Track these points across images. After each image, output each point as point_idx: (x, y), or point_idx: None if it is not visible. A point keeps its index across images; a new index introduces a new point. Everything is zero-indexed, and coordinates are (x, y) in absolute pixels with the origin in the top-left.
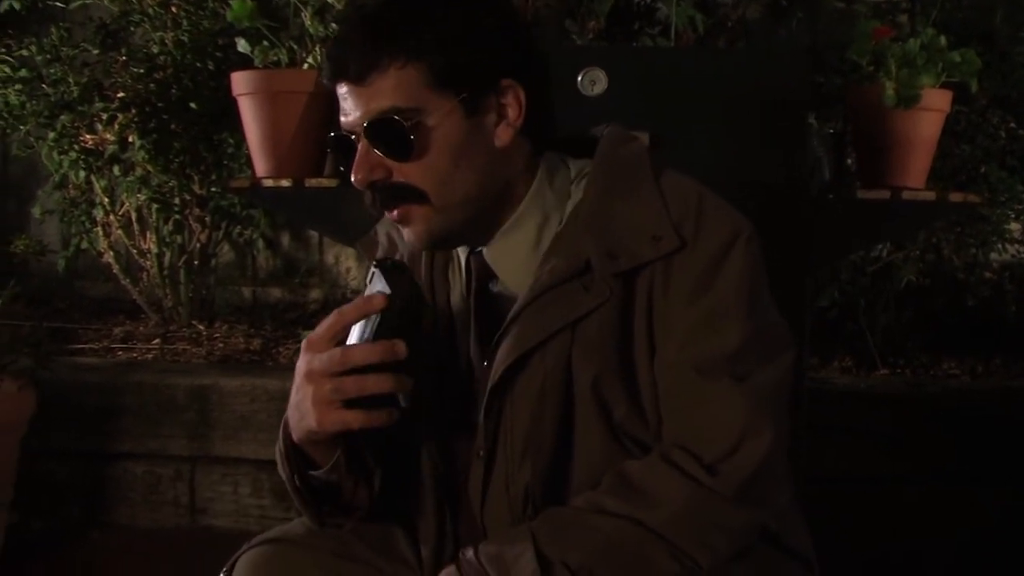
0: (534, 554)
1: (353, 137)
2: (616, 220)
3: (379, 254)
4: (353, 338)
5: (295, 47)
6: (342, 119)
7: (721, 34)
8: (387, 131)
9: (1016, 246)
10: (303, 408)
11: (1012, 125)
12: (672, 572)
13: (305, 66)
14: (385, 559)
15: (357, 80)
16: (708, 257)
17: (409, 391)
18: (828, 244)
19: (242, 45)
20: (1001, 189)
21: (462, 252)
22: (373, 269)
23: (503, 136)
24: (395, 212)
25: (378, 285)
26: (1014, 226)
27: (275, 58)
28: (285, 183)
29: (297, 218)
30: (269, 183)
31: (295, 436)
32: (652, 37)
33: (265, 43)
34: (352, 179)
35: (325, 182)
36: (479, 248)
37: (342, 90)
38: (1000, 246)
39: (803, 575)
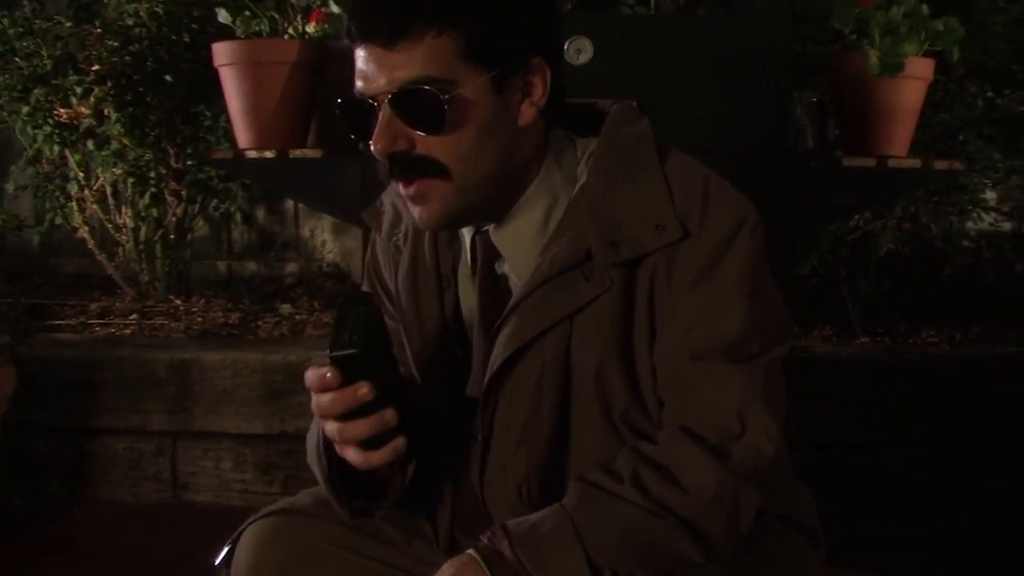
0: (585, 560)
1: (374, 103)
2: (619, 207)
3: (384, 225)
4: None
5: (276, 16)
6: (361, 83)
7: (701, 2)
8: (418, 101)
9: (993, 215)
10: None
11: (989, 94)
12: (702, 558)
13: (287, 36)
14: (401, 531)
15: (386, 45)
16: (712, 246)
17: (397, 421)
18: (813, 212)
19: (223, 15)
20: (978, 158)
21: (467, 231)
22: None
23: (526, 115)
24: (412, 188)
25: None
26: (990, 194)
27: (257, 28)
28: (269, 154)
29: (281, 189)
30: (253, 154)
31: None
32: (631, 7)
33: (247, 13)
34: (372, 148)
35: (310, 153)
36: (485, 228)
37: (363, 53)
38: (976, 215)
39: (811, 549)
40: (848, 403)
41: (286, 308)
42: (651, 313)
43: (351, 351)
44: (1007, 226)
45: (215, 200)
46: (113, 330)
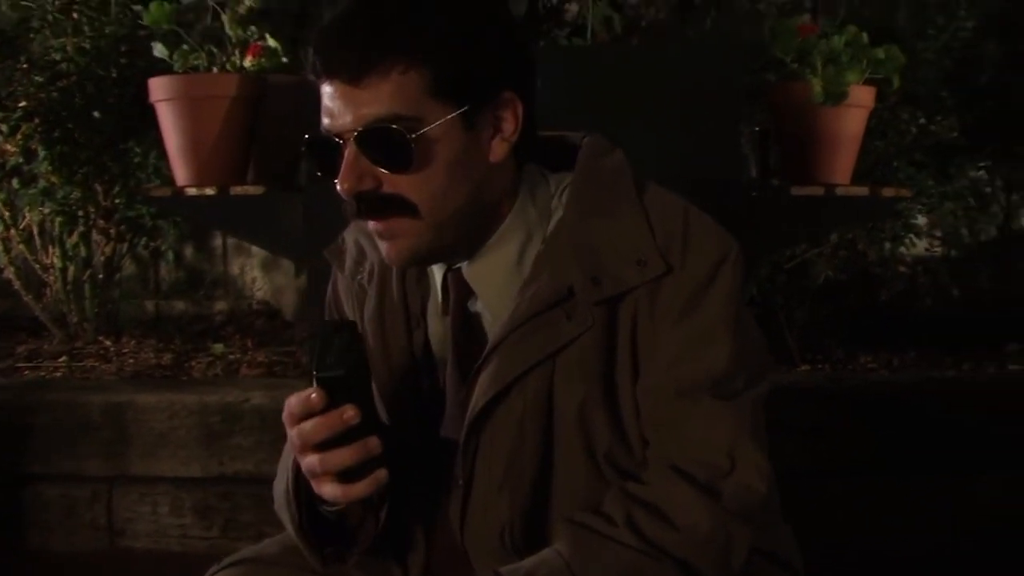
0: None
1: (339, 141)
2: (599, 242)
3: (347, 263)
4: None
5: (215, 50)
6: (326, 120)
7: (634, 33)
8: (384, 140)
9: (929, 240)
10: None
11: (922, 121)
12: None
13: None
14: None
15: (352, 81)
16: (695, 281)
17: (380, 451)
18: (760, 241)
19: (159, 50)
20: (910, 184)
21: (437, 269)
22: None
23: (498, 151)
24: (380, 225)
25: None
26: (922, 220)
27: (195, 63)
28: (209, 191)
29: (222, 227)
30: (192, 191)
31: None
32: (567, 38)
33: (184, 47)
34: (338, 188)
35: (251, 189)
36: (457, 265)
37: (329, 89)
38: (908, 240)
39: None
40: (792, 430)
41: (219, 347)
42: (634, 350)
43: (338, 372)
44: (938, 251)
45: (145, 238)
46: (43, 373)
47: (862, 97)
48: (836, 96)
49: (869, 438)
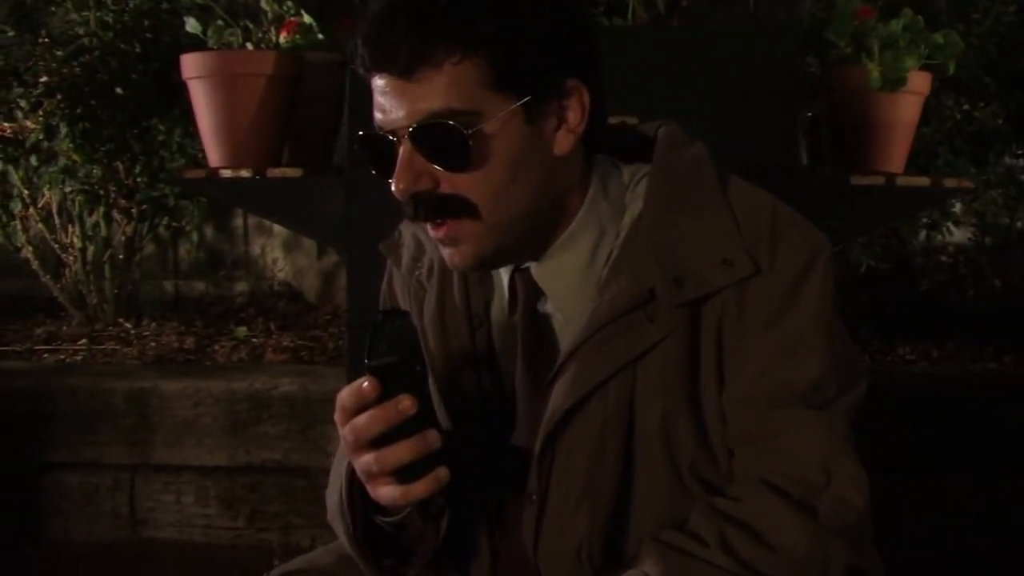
0: None
1: (393, 138)
2: (681, 240)
3: (404, 258)
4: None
5: (251, 26)
6: (379, 116)
7: (675, 14)
8: (440, 136)
9: (969, 228)
10: None
11: (966, 107)
12: None
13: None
14: None
15: (403, 74)
16: (785, 283)
17: (439, 446)
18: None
19: (191, 25)
20: (950, 172)
21: (504, 268)
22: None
23: (563, 144)
24: (440, 231)
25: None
26: (959, 207)
27: (230, 39)
28: (245, 173)
29: (258, 211)
30: (227, 173)
31: None
32: (606, 16)
33: (219, 22)
34: (393, 188)
35: (288, 172)
36: (525, 265)
37: (380, 83)
38: (946, 228)
39: None
40: None
41: (242, 331)
42: (719, 356)
43: (391, 359)
44: (974, 239)
45: (167, 218)
46: (62, 356)
47: (919, 83)
48: (894, 82)
49: (916, 434)
